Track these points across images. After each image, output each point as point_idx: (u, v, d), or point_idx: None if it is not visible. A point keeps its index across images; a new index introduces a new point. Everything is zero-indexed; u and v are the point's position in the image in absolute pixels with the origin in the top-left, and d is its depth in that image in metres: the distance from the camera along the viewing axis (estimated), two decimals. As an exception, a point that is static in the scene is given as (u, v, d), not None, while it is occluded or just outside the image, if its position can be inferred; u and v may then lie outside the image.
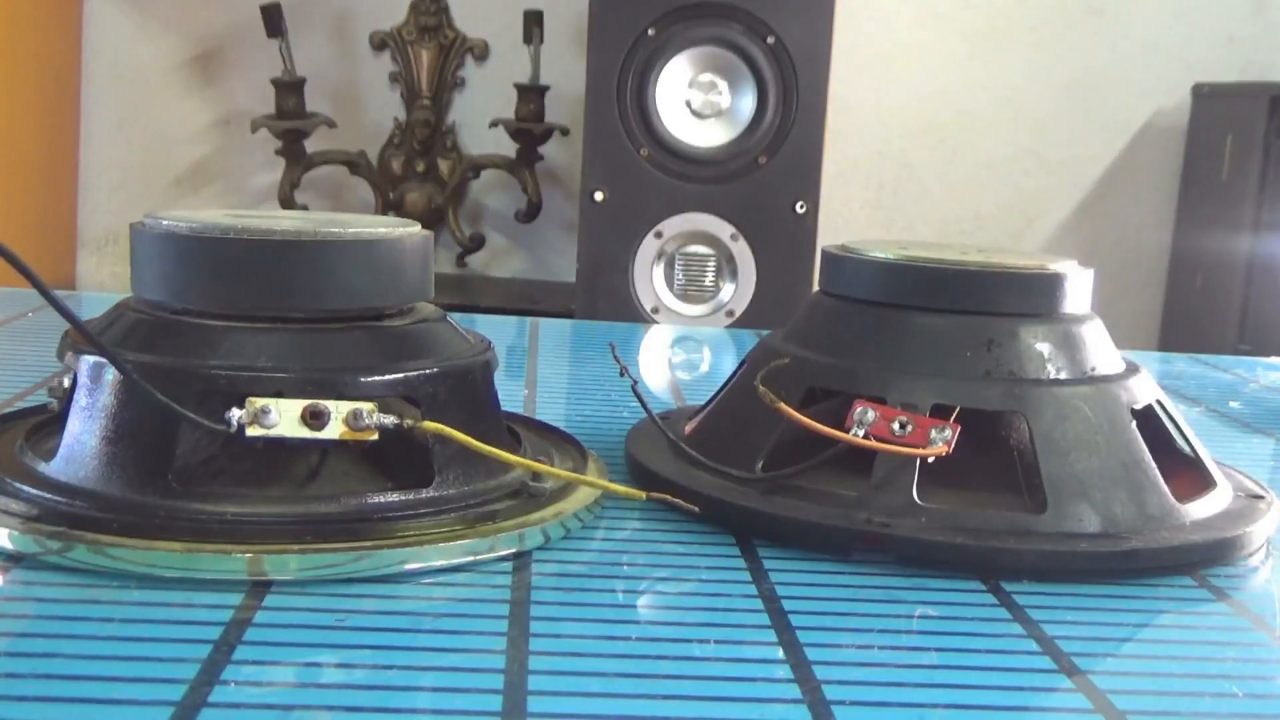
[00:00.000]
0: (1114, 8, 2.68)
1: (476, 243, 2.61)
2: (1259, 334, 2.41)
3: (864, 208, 2.62)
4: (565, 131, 2.45)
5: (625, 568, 0.46)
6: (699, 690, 0.36)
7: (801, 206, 1.92)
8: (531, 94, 2.41)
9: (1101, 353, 0.54)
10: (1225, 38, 2.70)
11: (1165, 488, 0.50)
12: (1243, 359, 1.11)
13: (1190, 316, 2.60)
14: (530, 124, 2.42)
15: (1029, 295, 0.53)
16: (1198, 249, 2.64)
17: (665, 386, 0.82)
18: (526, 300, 2.38)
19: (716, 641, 0.40)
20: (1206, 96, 2.64)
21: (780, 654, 0.39)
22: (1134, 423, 0.51)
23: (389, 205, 2.55)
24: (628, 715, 0.34)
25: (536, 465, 0.49)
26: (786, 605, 0.43)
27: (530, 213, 2.52)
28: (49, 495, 0.44)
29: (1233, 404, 0.84)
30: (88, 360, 0.46)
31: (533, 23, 2.40)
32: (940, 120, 2.60)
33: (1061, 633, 0.42)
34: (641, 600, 0.43)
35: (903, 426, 0.48)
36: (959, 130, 2.63)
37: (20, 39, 2.39)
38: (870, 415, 0.49)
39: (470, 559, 0.44)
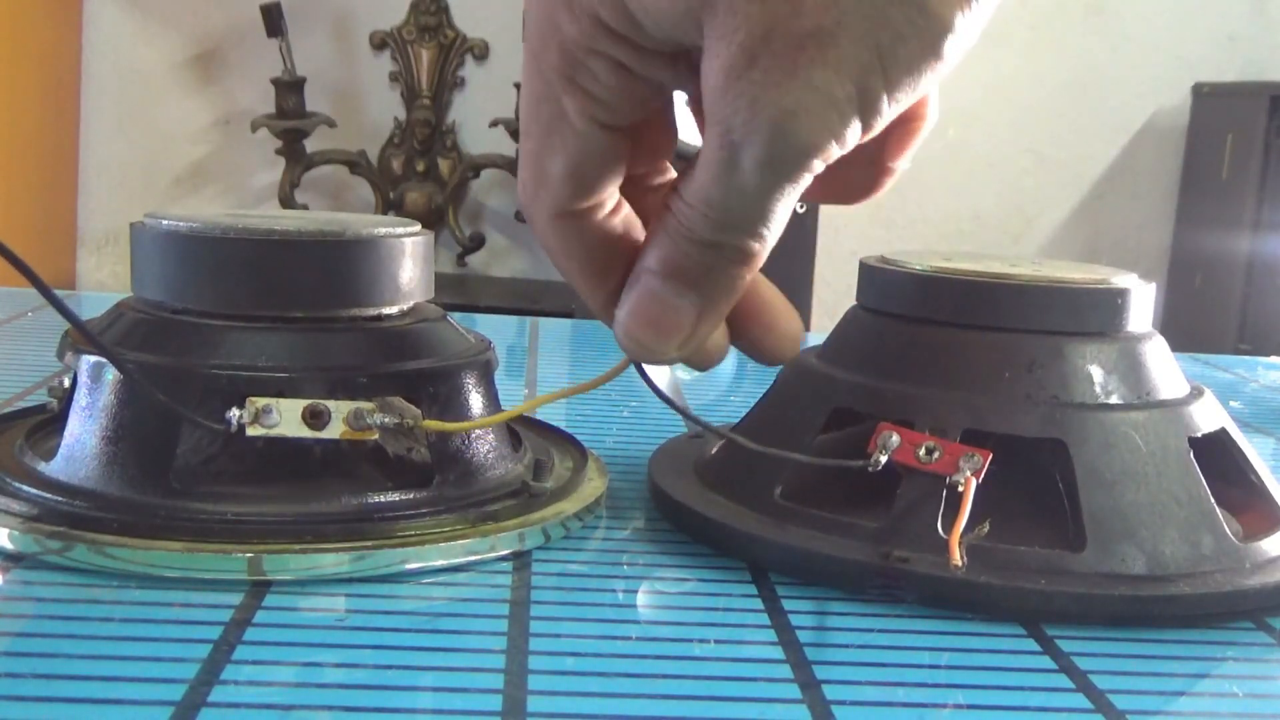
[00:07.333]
0: (1114, 7, 2.68)
1: (476, 242, 2.61)
2: (1259, 334, 2.41)
3: (864, 207, 2.61)
4: (565, 131, 2.45)
5: (625, 568, 0.46)
6: (699, 690, 0.36)
7: (801, 206, 1.92)
8: (531, 94, 2.41)
9: (1162, 375, 0.49)
10: (1225, 38, 2.70)
11: (1224, 525, 0.45)
12: (1243, 359, 1.11)
13: (1190, 316, 2.60)
14: (530, 124, 2.42)
15: (1077, 311, 0.48)
16: (1197, 249, 2.65)
17: (665, 387, 0.82)
18: (526, 300, 2.38)
19: (717, 641, 0.40)
20: (1206, 96, 2.65)
21: (781, 654, 0.39)
22: (1192, 452, 0.47)
23: (389, 205, 2.56)
24: (628, 715, 0.34)
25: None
26: (787, 605, 0.43)
27: (530, 212, 2.52)
28: (49, 495, 0.44)
29: (1233, 404, 0.84)
30: (88, 360, 0.46)
31: (533, 22, 2.40)
32: (940, 119, 2.60)
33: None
34: (641, 600, 0.43)
35: (929, 453, 0.45)
36: (959, 129, 2.63)
37: (20, 39, 2.39)
38: (894, 440, 0.45)
39: (470, 559, 0.44)
